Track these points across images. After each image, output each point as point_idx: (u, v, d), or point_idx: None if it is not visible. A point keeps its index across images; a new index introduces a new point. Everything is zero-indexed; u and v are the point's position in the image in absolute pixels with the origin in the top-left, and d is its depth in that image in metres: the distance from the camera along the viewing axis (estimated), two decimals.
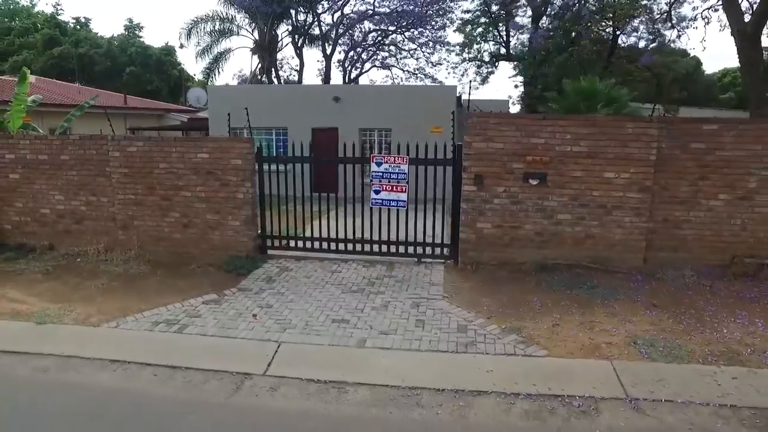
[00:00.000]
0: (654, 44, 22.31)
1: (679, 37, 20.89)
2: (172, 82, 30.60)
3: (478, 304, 5.59)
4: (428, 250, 7.09)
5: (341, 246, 7.27)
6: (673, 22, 19.70)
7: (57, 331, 4.98)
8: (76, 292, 6.09)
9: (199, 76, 31.29)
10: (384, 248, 7.18)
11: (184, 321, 5.15)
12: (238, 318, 5.20)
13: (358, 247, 7.23)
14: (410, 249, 7.12)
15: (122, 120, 21.16)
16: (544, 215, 6.56)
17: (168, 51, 31.06)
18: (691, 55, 29.19)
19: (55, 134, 7.79)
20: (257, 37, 26.71)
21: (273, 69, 28.43)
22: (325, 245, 7.32)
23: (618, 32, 22.21)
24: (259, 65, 27.63)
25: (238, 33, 26.18)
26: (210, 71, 24.96)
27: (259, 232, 7.42)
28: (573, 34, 22.89)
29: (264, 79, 27.11)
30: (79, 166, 7.50)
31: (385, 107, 13.43)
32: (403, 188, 6.83)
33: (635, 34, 22.19)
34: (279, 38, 28.30)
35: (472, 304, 5.57)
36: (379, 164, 6.79)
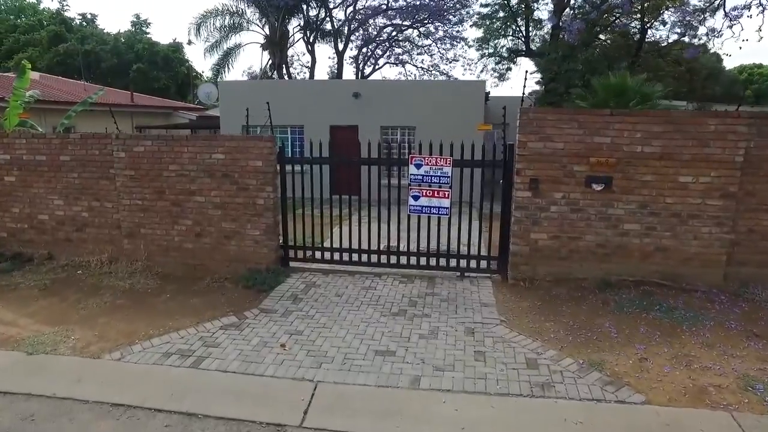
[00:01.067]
0: (685, 37, 21.35)
1: (731, 26, 19.73)
2: (180, 80, 30.02)
3: (543, 330, 4.80)
4: (472, 263, 6.31)
5: (373, 258, 6.51)
6: (727, 10, 18.63)
7: (50, 363, 4.26)
8: (76, 312, 5.38)
9: (207, 74, 30.71)
10: (422, 261, 6.42)
11: (200, 352, 4.41)
12: (263, 348, 4.45)
13: (392, 259, 6.47)
14: (452, 262, 6.34)
15: (129, 118, 20.57)
16: (608, 225, 5.75)
17: (176, 48, 30.49)
18: (711, 50, 28.16)
19: (55, 132, 7.10)
20: (268, 33, 26.06)
21: (284, 65, 27.78)
22: (354, 257, 6.56)
23: (648, 25, 21.22)
24: (270, 61, 26.98)
25: (248, 28, 25.54)
26: (219, 68, 24.33)
27: (281, 242, 6.68)
28: (597, 27, 21.99)
29: (275, 75, 26.46)
30: (80, 168, 6.80)
31: (409, 104, 12.66)
32: (446, 194, 6.06)
33: (666, 26, 21.18)
34: (290, 34, 27.66)
35: (535, 331, 4.78)
36: (418, 166, 6.02)
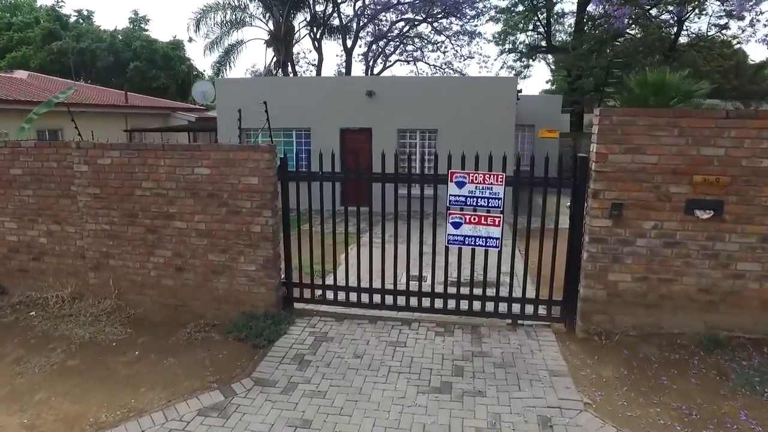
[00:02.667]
0: (726, 29, 19.84)
1: None
2: (180, 79, 28.90)
3: (649, 421, 3.46)
4: (527, 308, 4.97)
5: (399, 299, 5.20)
6: None
7: None
8: (8, 379, 4.12)
9: (209, 72, 29.57)
10: (462, 303, 5.09)
11: None
12: None
13: (425, 301, 5.15)
14: (500, 305, 5.01)
15: (123, 120, 19.42)
16: (715, 263, 4.40)
17: (176, 45, 29.38)
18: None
19: (1, 139, 5.85)
20: (272, 28, 24.86)
21: (289, 63, 26.58)
22: (376, 298, 5.25)
23: (688, 14, 19.68)
24: (275, 59, 25.78)
25: (251, 23, 24.36)
26: (220, 65, 23.18)
27: (283, 278, 5.38)
28: (628, 19, 20.53)
29: (279, 74, 25.25)
30: (35, 184, 5.56)
31: (429, 104, 11.33)
32: (496, 220, 4.73)
33: (706, 16, 19.66)
34: (296, 29, 26.43)
35: (639, 422, 3.44)
36: (460, 184, 4.70)
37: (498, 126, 10.92)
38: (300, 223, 5.23)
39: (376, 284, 5.28)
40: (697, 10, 19.22)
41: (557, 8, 23.64)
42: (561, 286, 4.89)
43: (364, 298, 5.27)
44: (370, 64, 29.55)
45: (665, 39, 20.78)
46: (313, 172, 5.09)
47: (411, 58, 28.86)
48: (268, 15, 25.24)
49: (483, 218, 4.75)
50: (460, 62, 28.54)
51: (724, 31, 20.20)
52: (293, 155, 12.32)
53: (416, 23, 26.48)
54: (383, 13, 26.47)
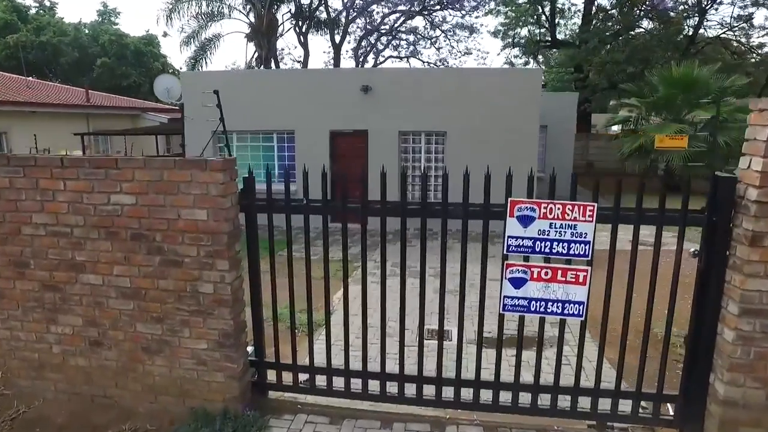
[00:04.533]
0: (750, 21, 18.49)
1: None
2: (153, 77, 26.94)
3: None
4: (620, 405, 3.33)
5: (426, 389, 3.54)
6: None
7: None
8: None
9: (186, 69, 27.67)
10: (521, 396, 3.43)
11: None
12: None
13: (464, 392, 3.49)
14: (581, 399, 3.36)
15: (84, 122, 17.53)
16: None
17: (149, 40, 27.44)
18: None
19: None
20: (253, 21, 23.12)
21: (273, 59, 24.86)
22: (392, 387, 3.58)
23: (708, 4, 18.28)
24: (256, 54, 24.04)
25: (230, 15, 22.64)
26: (196, 61, 21.40)
27: (253, 356, 3.69)
28: (639, 9, 19.12)
29: (267, 69, 23.51)
30: None
31: (436, 101, 9.72)
32: (581, 275, 3.09)
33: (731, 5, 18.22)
34: (279, 23, 24.71)
35: None
36: (526, 221, 3.05)
37: (519, 127, 9.35)
38: (273, 251, 3.50)
39: (390, 363, 3.61)
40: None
41: (561, 0, 22.13)
42: (668, 365, 3.26)
43: (373, 385, 3.59)
44: (360, 60, 27.98)
45: (681, 31, 19.38)
46: (293, 201, 3.39)
47: (404, 55, 27.32)
48: (248, 7, 23.53)
49: (561, 272, 3.11)
50: (456, 59, 27.04)
51: (748, 22, 18.87)
52: (276, 161, 10.63)
53: (411, 16, 24.93)
54: (374, 5, 24.91)
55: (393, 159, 10.02)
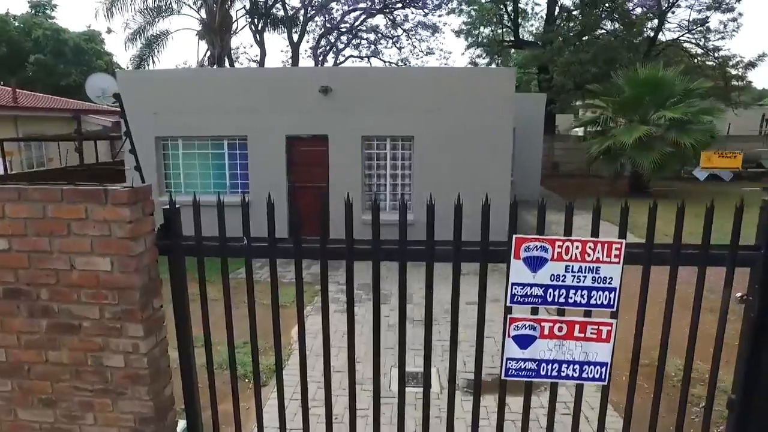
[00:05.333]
0: (708, 23, 18.77)
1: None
2: None
3: None
4: None
5: None
6: None
7: None
8: None
9: (132, 68, 25.99)
10: None
11: None
12: None
13: None
14: None
15: (12, 125, 15.95)
16: None
17: (90, 36, 25.61)
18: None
19: None
20: (205, 17, 21.85)
21: (227, 58, 23.65)
22: None
23: (670, 6, 18.41)
24: (208, 53, 22.75)
25: (179, 11, 21.26)
26: (142, 60, 19.97)
27: None
28: (599, 9, 19.08)
29: (216, 68, 22.26)
30: None
31: (403, 103, 9.05)
32: (605, 331, 2.45)
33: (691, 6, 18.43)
34: (233, 19, 23.49)
35: None
36: (537, 263, 2.38)
37: (491, 130, 8.81)
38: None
39: (361, 424, 2.88)
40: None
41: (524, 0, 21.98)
42: None
43: None
44: (320, 60, 27.10)
45: (642, 33, 19.52)
46: (229, 241, 2.58)
47: (365, 54, 26.61)
48: (200, 2, 22.24)
49: (579, 327, 2.46)
50: (418, 58, 26.54)
51: (703, 26, 19.16)
52: (227, 170, 9.63)
53: (371, 14, 24.24)
54: (333, 3, 24.08)
55: (356, 166, 9.29)
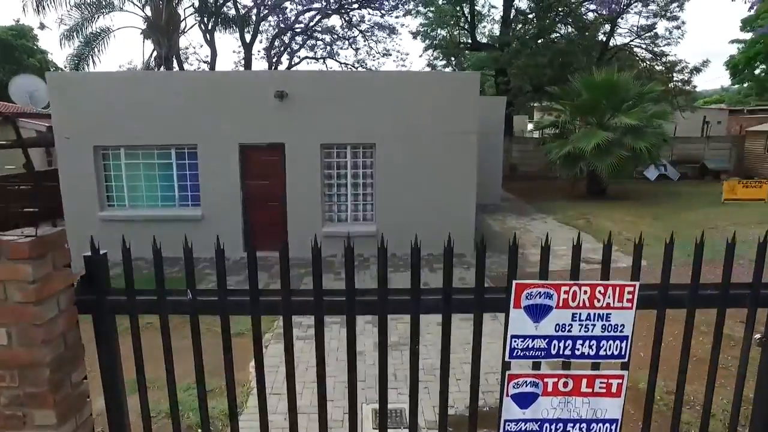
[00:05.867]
0: (655, 29, 19.38)
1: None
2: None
3: None
4: None
5: None
6: None
7: None
8: None
9: (69, 68, 24.35)
10: None
11: None
12: None
13: None
14: None
15: None
16: None
17: (19, 32, 23.80)
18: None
19: None
20: (150, 15, 20.69)
21: (175, 59, 22.53)
22: None
23: (619, 11, 18.87)
24: (155, 53, 21.58)
25: (121, 8, 20.01)
26: (80, 59, 18.64)
27: None
28: (554, 12, 19.37)
29: (162, 71, 21.14)
30: None
31: (364, 109, 8.66)
32: (615, 384, 2.14)
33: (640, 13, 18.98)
34: (181, 18, 22.39)
35: None
36: (540, 312, 2.04)
37: (456, 136, 8.54)
38: (148, 409, 2.21)
39: None
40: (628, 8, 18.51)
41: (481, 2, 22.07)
42: None
43: None
44: (274, 61, 26.32)
45: (596, 37, 19.95)
46: (170, 294, 2.09)
47: (321, 55, 26.03)
48: None
49: (586, 381, 2.14)
50: (375, 60, 26.21)
51: (651, 32, 19.78)
52: (175, 181, 8.88)
53: (327, 15, 23.70)
54: (287, 2, 23.39)
55: (314, 175, 8.81)
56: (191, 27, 23.74)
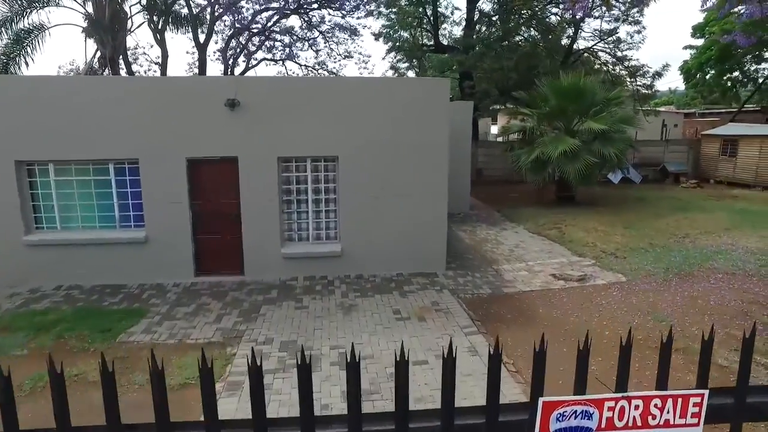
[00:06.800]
0: (617, 33, 19.55)
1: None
2: None
3: None
4: None
5: None
6: None
7: None
8: None
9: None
10: None
11: None
12: None
13: None
14: None
15: None
16: None
17: None
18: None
19: None
20: (92, 12, 19.30)
21: (121, 59, 21.19)
22: None
23: (582, 15, 18.93)
24: (98, 53, 20.17)
25: (58, 3, 18.55)
26: (9, 58, 17.12)
27: None
28: (517, 15, 19.26)
29: (107, 73, 19.77)
30: None
31: (325, 118, 8.00)
32: None
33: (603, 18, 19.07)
34: (128, 16, 21.04)
35: None
36: None
37: (425, 147, 8.01)
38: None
39: None
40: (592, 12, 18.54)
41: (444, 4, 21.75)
42: None
43: None
44: (230, 63, 25.26)
45: (560, 40, 19.95)
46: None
47: (279, 57, 25.12)
48: None
49: None
50: (336, 62, 25.56)
51: (612, 36, 19.96)
52: (115, 199, 7.83)
53: (285, 15, 22.83)
54: (243, 1, 22.39)
55: (272, 191, 8.08)
56: (139, 26, 22.41)
